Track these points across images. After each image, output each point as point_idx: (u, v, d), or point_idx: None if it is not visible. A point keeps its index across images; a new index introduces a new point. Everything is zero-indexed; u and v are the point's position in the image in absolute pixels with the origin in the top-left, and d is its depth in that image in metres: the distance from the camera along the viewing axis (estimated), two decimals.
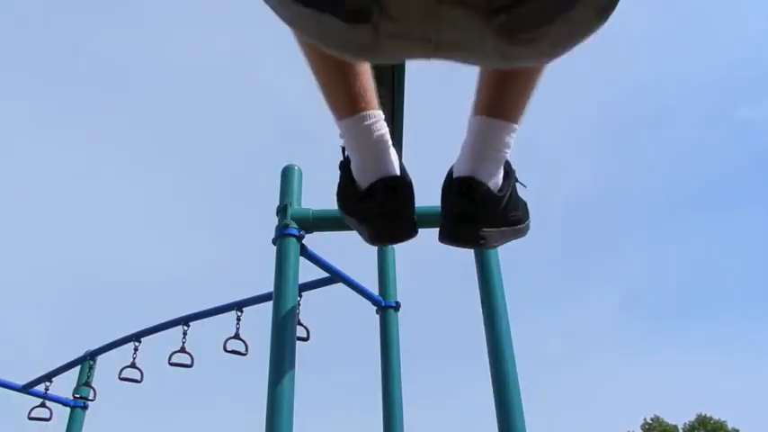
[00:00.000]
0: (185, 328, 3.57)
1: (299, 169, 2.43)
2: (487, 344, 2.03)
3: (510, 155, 1.13)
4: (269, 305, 2.18)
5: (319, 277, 2.71)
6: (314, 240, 2.34)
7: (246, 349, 3.27)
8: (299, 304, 2.33)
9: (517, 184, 1.21)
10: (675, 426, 26.43)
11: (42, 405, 4.39)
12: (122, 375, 3.85)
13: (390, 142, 1.16)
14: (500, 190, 1.12)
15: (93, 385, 4.37)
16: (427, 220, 1.51)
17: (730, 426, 25.88)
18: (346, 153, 1.19)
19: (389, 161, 1.15)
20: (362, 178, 1.14)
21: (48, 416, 4.39)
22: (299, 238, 2.27)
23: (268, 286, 2.31)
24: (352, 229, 1.51)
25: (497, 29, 0.62)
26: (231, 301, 3.34)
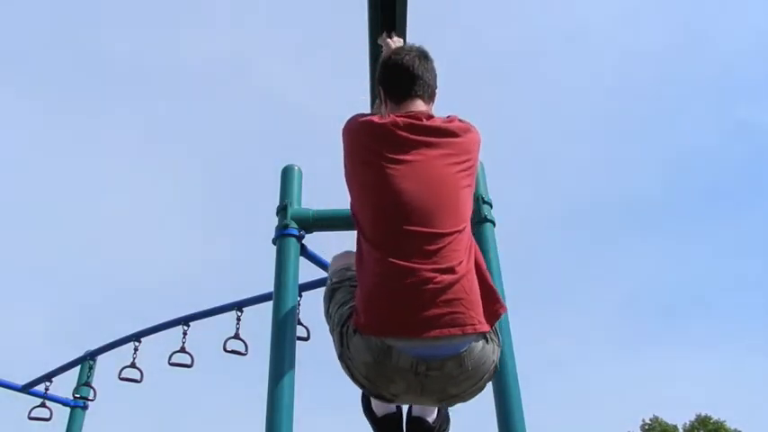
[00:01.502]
0: (185, 328, 3.57)
1: (299, 169, 2.43)
2: None
3: None
4: (269, 305, 2.18)
5: (319, 277, 2.71)
6: (314, 240, 2.35)
7: (246, 349, 3.27)
8: (299, 304, 2.33)
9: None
10: (675, 426, 26.38)
11: (42, 405, 4.39)
12: (122, 375, 3.85)
13: None
14: (434, 422, 1.97)
15: (93, 385, 4.37)
16: None
17: (730, 426, 25.86)
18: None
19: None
20: (378, 409, 1.99)
21: (48, 416, 4.39)
22: (299, 238, 2.27)
23: (268, 286, 2.32)
24: (351, 229, 1.83)
25: (440, 404, 1.84)
26: (231, 301, 3.34)
